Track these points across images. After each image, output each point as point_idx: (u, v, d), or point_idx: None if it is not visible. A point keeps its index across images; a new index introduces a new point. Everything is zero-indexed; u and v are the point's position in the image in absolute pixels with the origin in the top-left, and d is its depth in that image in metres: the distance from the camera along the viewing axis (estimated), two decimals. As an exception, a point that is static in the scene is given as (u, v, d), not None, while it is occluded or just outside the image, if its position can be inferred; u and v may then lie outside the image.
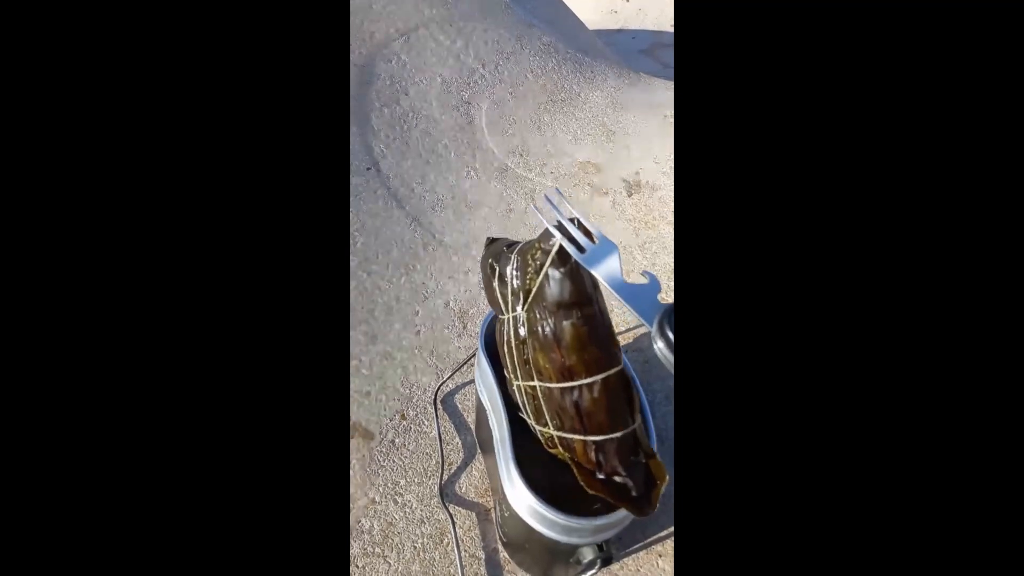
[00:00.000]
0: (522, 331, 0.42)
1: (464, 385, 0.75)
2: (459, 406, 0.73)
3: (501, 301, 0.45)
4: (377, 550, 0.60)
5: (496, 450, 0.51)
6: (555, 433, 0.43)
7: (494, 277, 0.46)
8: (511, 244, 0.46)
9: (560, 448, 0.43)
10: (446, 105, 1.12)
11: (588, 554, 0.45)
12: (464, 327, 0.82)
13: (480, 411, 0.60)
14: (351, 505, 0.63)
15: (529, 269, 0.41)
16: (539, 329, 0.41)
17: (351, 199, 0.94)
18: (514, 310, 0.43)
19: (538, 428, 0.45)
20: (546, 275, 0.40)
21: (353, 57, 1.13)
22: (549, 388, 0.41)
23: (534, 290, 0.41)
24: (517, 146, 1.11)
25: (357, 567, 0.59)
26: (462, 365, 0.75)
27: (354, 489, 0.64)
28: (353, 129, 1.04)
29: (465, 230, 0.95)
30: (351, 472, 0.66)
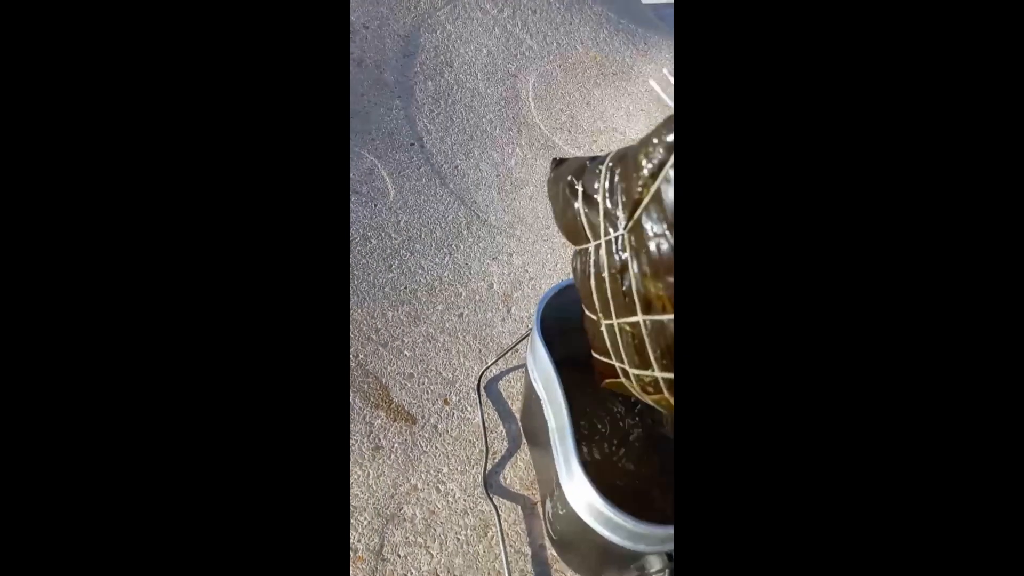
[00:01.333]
0: (622, 256, 0.34)
1: (508, 371, 0.71)
2: (503, 393, 0.70)
3: (587, 227, 0.37)
4: (419, 539, 0.58)
5: (552, 442, 0.46)
6: (663, 375, 0.34)
7: (575, 198, 0.38)
8: (594, 158, 0.38)
9: (666, 393, 0.35)
10: (492, 78, 1.07)
11: (656, 563, 0.41)
12: (508, 311, 0.78)
13: (529, 399, 0.56)
14: (393, 491, 0.61)
15: (642, 173, 0.32)
16: (654, 246, 0.32)
17: (395, 175, 0.91)
18: (607, 234, 0.35)
19: (636, 372, 0.37)
20: (667, 176, 0.31)
21: (396, 27, 1.09)
22: (660, 322, 0.33)
23: (646, 199, 0.32)
24: (565, 122, 1.05)
25: (399, 556, 0.57)
26: (508, 351, 0.71)
27: (396, 474, 0.62)
28: (396, 102, 1.00)
29: (510, 209, 0.90)
30: (393, 456, 0.63)
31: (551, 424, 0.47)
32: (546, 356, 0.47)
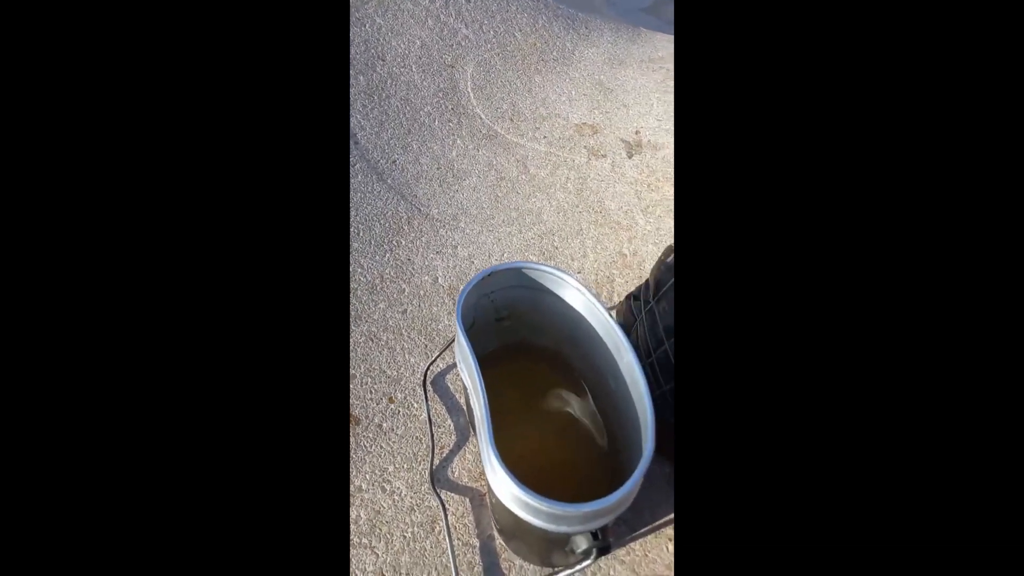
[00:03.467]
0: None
1: (456, 365, 0.71)
2: (450, 387, 0.69)
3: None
4: (364, 540, 0.57)
5: (478, 433, 0.46)
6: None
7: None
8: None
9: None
10: (427, 70, 1.05)
11: (582, 543, 0.41)
12: (455, 303, 0.77)
13: (467, 390, 0.55)
14: (336, 495, 0.60)
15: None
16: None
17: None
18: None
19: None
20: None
21: (327, 24, 1.07)
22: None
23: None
24: (506, 110, 1.04)
25: (343, 560, 0.56)
26: (449, 344, 0.70)
27: (339, 478, 0.61)
28: (330, 101, 0.98)
29: (452, 201, 0.89)
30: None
31: (476, 414, 0.47)
32: (467, 345, 0.46)
